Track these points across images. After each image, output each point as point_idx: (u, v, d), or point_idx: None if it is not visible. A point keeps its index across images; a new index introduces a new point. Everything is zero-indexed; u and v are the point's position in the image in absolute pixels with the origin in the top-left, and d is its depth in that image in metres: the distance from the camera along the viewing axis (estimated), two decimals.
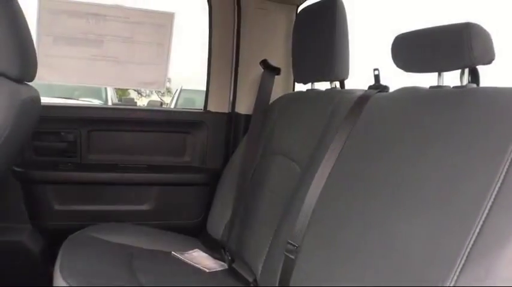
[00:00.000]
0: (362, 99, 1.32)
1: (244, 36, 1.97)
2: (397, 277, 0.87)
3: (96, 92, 5.21)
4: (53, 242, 1.62)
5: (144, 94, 15.69)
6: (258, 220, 1.57)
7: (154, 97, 12.31)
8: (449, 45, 1.03)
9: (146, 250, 1.62)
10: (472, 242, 0.77)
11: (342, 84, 1.63)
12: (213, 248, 1.72)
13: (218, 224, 1.77)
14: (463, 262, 0.77)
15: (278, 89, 1.92)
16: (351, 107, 1.32)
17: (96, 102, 4.72)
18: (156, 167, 1.99)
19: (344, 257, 1.04)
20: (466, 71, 1.06)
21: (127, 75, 1.87)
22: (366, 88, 1.38)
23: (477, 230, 0.77)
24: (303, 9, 1.73)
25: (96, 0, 1.80)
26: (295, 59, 1.74)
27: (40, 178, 1.84)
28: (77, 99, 4.50)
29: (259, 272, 1.41)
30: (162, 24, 1.85)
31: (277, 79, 1.88)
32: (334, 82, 1.61)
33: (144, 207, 1.95)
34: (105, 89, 5.22)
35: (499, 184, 0.78)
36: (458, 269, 0.77)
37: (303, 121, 1.55)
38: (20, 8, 1.29)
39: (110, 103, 5.22)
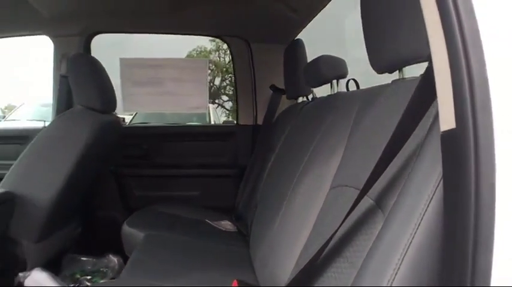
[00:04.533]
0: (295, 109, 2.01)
1: (257, 69, 2.71)
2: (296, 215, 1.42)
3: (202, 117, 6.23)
4: None
5: None
6: (254, 195, 2.24)
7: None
8: None
9: (188, 217, 2.37)
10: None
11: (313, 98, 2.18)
12: (237, 219, 2.45)
13: (239, 202, 2.51)
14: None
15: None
16: (294, 115, 2.03)
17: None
18: (202, 165, 2.76)
19: (271, 205, 1.71)
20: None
21: (180, 103, 2.72)
22: None
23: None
24: (286, 48, 2.33)
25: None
26: (285, 82, 2.35)
27: (126, 174, 2.70)
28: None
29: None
30: (200, 67, 2.70)
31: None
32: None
33: (194, 193, 2.72)
34: (208, 112, 6.29)
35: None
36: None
37: (286, 126, 2.19)
38: (102, 66, 2.18)
39: (212, 121, 6.31)
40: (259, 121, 2.73)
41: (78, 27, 2.49)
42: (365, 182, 0.84)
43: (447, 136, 0.60)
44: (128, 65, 2.64)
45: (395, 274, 0.68)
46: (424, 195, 0.69)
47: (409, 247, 0.68)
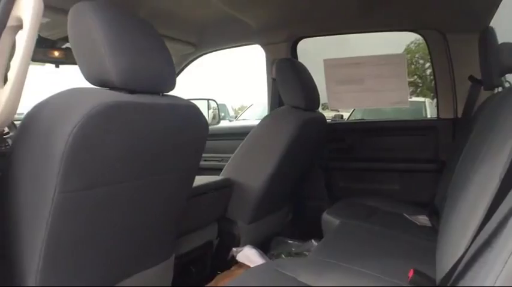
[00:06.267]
0: (489, 101, 1.92)
1: (455, 60, 2.62)
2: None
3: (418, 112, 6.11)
4: None
5: None
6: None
7: None
8: None
9: (385, 210, 2.44)
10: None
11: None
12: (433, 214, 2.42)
13: (437, 197, 2.47)
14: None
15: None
16: (486, 107, 1.94)
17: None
18: (403, 160, 2.79)
19: (451, 200, 1.70)
20: None
21: (380, 98, 2.80)
22: None
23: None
24: (479, 37, 2.13)
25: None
26: (481, 72, 2.14)
27: (331, 166, 2.91)
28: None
29: None
30: (398, 62, 2.74)
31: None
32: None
33: (394, 187, 2.77)
34: (424, 107, 6.12)
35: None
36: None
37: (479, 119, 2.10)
38: (304, 68, 2.43)
39: (428, 116, 6.13)
40: (460, 115, 2.64)
41: (284, 35, 2.81)
42: (505, 172, 0.85)
43: None
44: (331, 65, 2.84)
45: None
46: None
47: None
